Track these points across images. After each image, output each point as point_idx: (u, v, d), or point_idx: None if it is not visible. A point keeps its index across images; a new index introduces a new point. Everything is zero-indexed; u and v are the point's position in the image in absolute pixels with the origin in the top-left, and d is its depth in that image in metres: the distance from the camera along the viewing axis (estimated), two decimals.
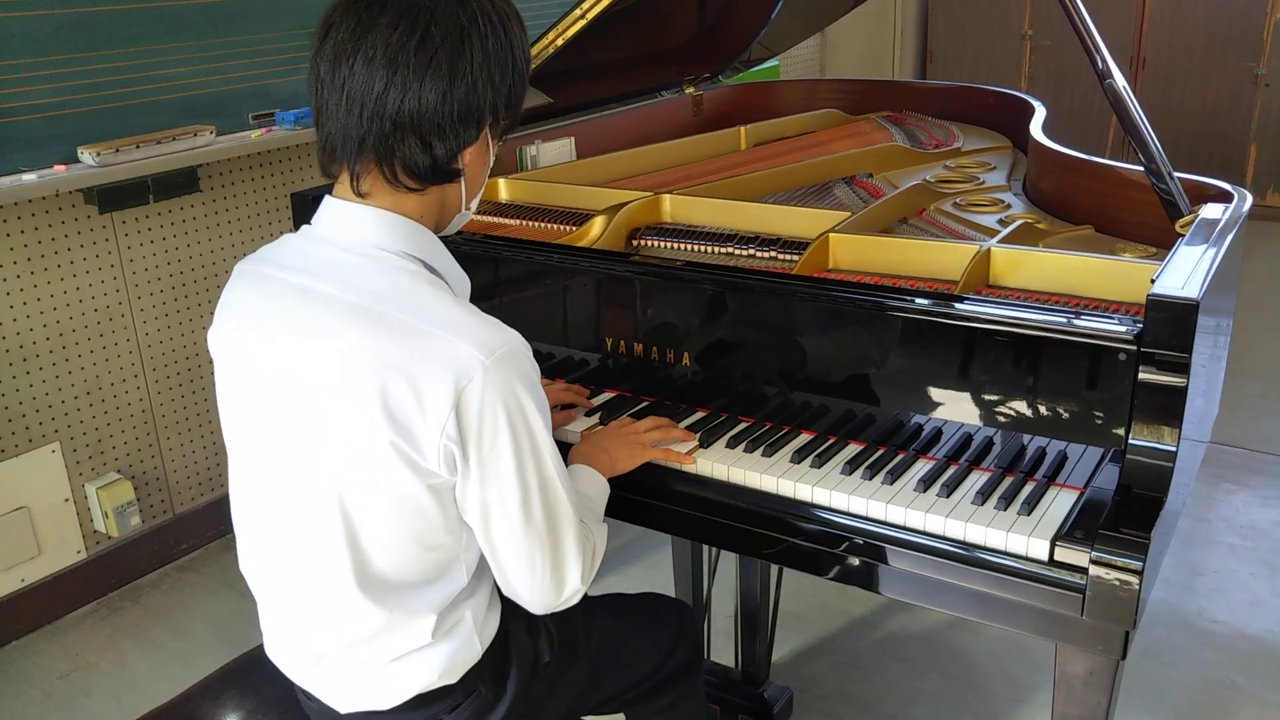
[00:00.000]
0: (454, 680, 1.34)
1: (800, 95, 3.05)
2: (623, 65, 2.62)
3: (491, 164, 1.35)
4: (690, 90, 2.86)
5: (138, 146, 2.59)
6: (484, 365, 1.16)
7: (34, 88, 2.46)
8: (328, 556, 1.26)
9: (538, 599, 1.31)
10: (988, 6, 5.94)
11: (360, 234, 1.25)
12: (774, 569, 2.16)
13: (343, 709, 1.35)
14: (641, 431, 1.56)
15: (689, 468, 1.53)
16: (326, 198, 1.29)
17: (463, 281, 1.35)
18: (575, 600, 1.33)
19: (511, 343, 1.20)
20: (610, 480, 1.51)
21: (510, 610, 1.40)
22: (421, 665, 1.31)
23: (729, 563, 2.17)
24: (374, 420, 1.18)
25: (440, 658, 1.32)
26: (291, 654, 1.38)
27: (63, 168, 2.51)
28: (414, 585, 1.28)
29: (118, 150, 2.55)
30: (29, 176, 2.45)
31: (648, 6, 2.26)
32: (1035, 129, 2.24)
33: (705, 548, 2.16)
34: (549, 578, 1.29)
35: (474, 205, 1.36)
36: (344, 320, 1.20)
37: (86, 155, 2.52)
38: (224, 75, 2.83)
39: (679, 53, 2.79)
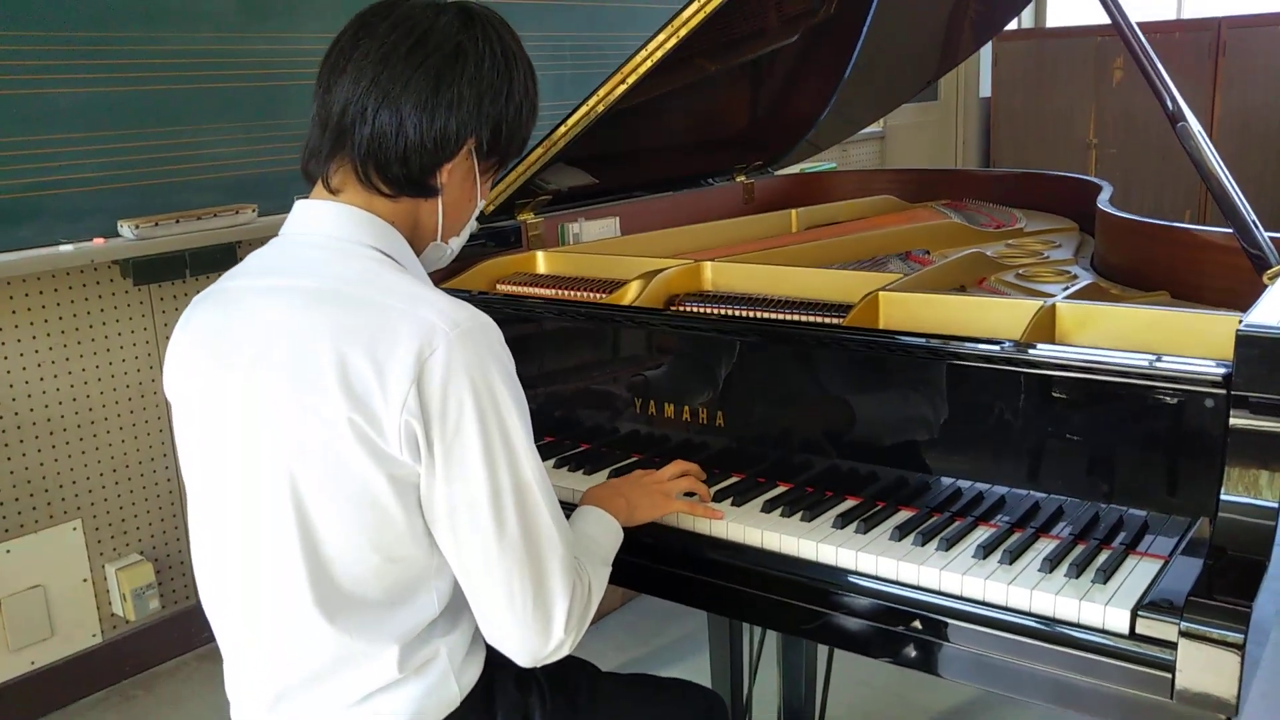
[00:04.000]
0: None
1: (856, 184, 2.96)
2: (673, 150, 2.56)
3: (478, 204, 1.29)
4: (741, 179, 2.79)
5: (177, 221, 2.56)
6: (449, 336, 1.08)
7: (81, 161, 2.45)
8: (283, 564, 1.14)
9: (524, 638, 1.15)
10: (1051, 116, 5.87)
11: (327, 227, 1.20)
12: (821, 664, 1.97)
13: None
14: (665, 480, 1.42)
15: (719, 533, 1.38)
16: (296, 201, 1.24)
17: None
18: (564, 651, 1.17)
19: (482, 320, 1.12)
20: (636, 550, 1.37)
21: (497, 658, 1.24)
22: (389, 706, 1.17)
23: (771, 659, 1.98)
24: (330, 395, 1.08)
25: (410, 698, 1.18)
26: (252, 700, 1.23)
27: (101, 241, 2.49)
28: (375, 605, 1.15)
29: (157, 224, 2.52)
30: (66, 248, 2.43)
31: (701, 87, 2.20)
32: (1103, 202, 2.12)
33: (746, 637, 1.98)
34: (531, 610, 1.13)
35: (454, 244, 1.31)
36: (304, 303, 1.14)
37: (125, 228, 2.50)
38: (270, 156, 2.81)
39: (733, 140, 2.72)
